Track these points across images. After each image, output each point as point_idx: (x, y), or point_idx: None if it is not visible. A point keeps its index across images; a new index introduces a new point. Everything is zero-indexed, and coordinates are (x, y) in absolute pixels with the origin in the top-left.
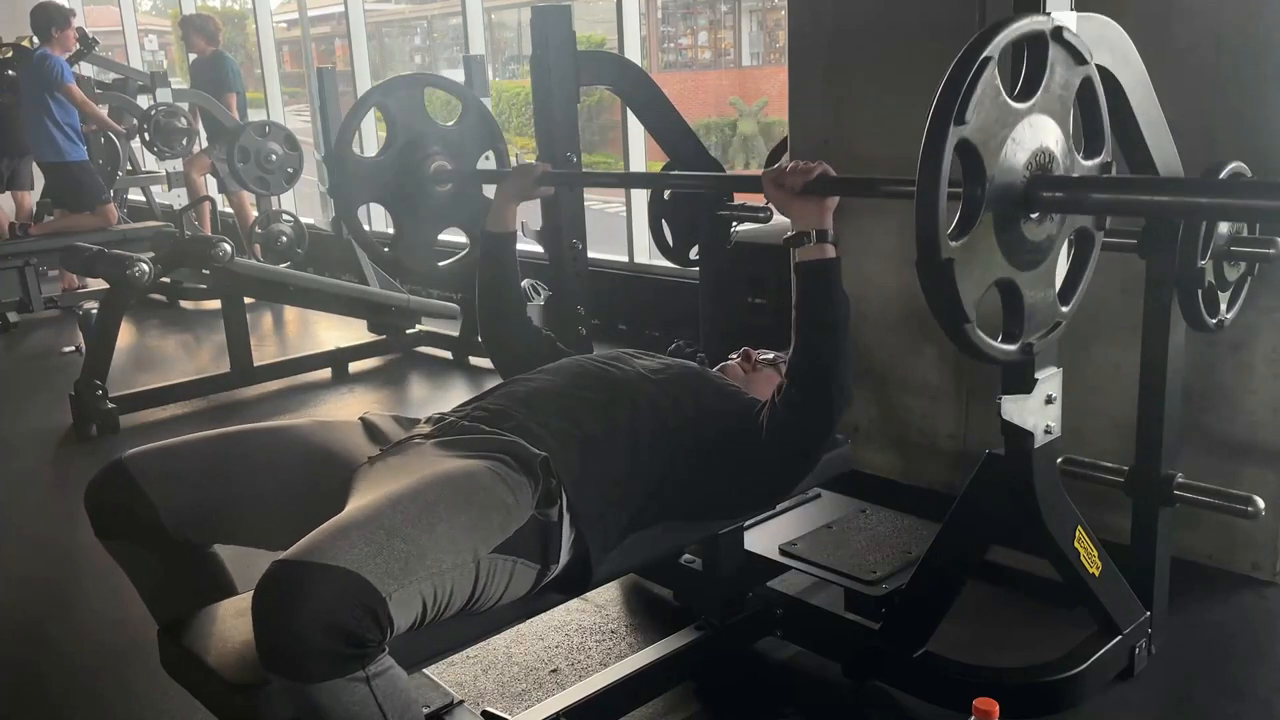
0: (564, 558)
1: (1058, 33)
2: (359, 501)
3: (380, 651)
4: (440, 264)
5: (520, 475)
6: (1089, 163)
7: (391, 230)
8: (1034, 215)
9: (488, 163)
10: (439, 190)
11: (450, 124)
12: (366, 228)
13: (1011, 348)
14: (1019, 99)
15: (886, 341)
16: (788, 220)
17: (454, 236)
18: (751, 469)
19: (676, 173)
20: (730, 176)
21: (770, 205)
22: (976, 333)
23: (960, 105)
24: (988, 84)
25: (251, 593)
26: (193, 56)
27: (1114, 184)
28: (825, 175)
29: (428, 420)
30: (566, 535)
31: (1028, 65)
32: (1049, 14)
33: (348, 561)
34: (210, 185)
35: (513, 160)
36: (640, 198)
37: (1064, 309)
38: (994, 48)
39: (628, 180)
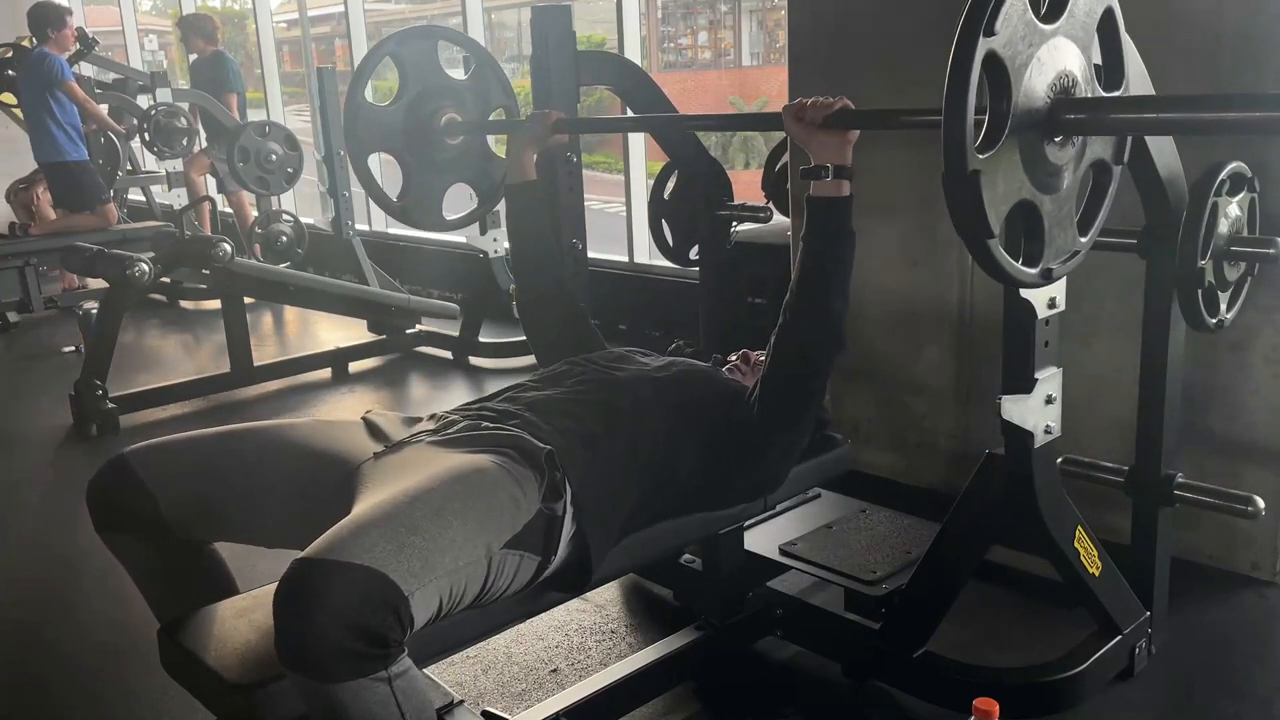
0: (562, 550)
1: None
2: (372, 499)
3: (401, 651)
4: (450, 218)
5: (526, 469)
6: (1109, 95)
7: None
8: (1057, 139)
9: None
10: (449, 143)
11: (462, 79)
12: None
13: (1032, 270)
14: (1045, 20)
15: (887, 341)
16: (788, 221)
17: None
18: (748, 446)
19: (695, 114)
20: (750, 115)
21: (791, 137)
22: (999, 249)
23: (990, 16)
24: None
25: (251, 593)
26: (193, 57)
27: (1135, 104)
28: (846, 109)
29: (430, 418)
30: (568, 528)
31: None
32: None
33: (371, 560)
34: (210, 185)
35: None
36: (640, 198)
37: (1082, 239)
38: None
39: (642, 124)
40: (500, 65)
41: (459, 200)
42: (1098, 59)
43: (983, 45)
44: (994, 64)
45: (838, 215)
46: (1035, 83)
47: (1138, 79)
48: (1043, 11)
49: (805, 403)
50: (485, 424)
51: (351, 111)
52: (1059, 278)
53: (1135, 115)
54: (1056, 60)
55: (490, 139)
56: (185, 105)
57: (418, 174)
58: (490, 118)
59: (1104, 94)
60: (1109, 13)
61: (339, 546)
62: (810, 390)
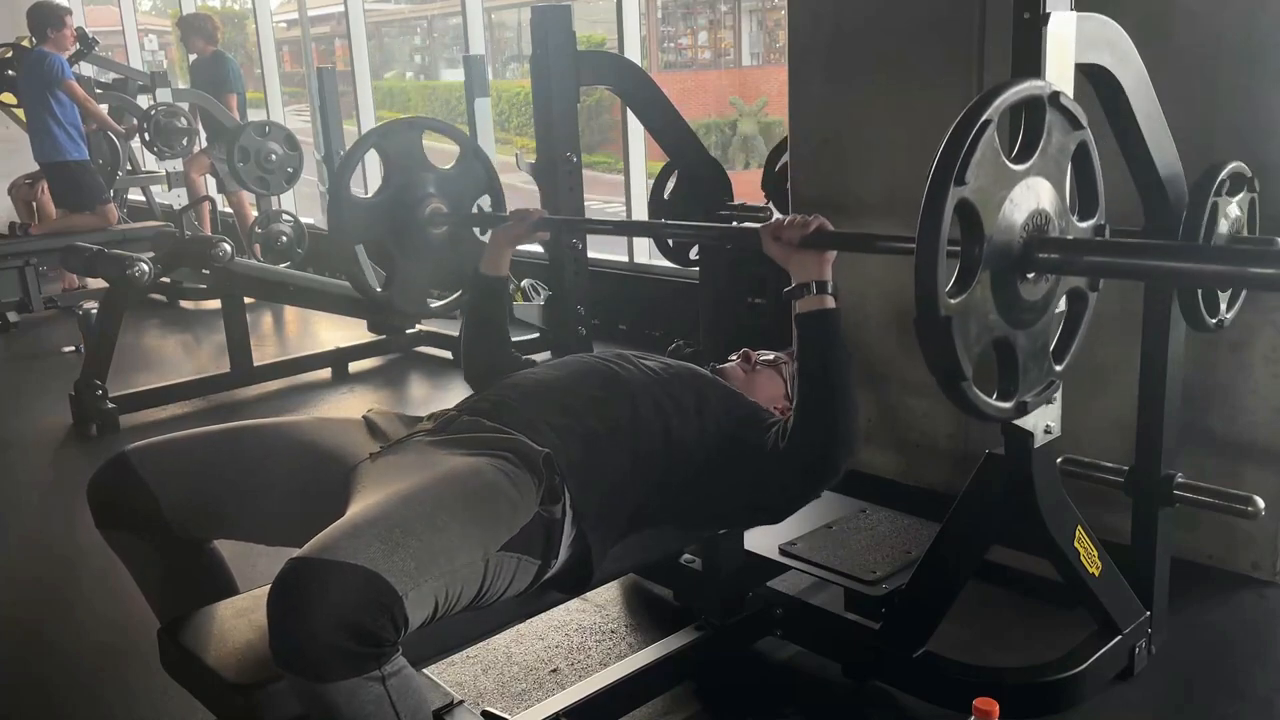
0: (563, 554)
1: (1055, 98)
2: (368, 499)
3: (395, 651)
4: (433, 305)
5: (524, 472)
6: (1084, 224)
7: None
8: (1030, 275)
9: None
10: (434, 233)
11: (447, 167)
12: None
13: (1007, 405)
14: (1017, 161)
15: (887, 341)
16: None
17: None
18: (754, 488)
19: (674, 223)
20: (728, 228)
21: (770, 257)
22: (973, 390)
23: (961, 166)
24: (987, 146)
25: (251, 592)
26: (192, 57)
27: (1108, 247)
28: (822, 229)
29: (430, 417)
30: (567, 532)
31: (1025, 128)
32: (1047, 80)
33: (365, 560)
34: (210, 185)
35: (514, 155)
36: (640, 198)
37: (1058, 368)
38: (993, 111)
39: (626, 229)
40: (486, 153)
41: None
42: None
43: (954, 194)
44: (966, 210)
45: (827, 330)
46: (1008, 223)
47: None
48: (1014, 153)
49: (817, 486)
50: (485, 423)
51: (336, 205)
52: (1034, 409)
53: (1107, 259)
54: (1029, 199)
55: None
56: (185, 105)
57: (402, 264)
58: (475, 203)
59: (1078, 224)
60: (1083, 146)
61: (333, 546)
62: (820, 482)
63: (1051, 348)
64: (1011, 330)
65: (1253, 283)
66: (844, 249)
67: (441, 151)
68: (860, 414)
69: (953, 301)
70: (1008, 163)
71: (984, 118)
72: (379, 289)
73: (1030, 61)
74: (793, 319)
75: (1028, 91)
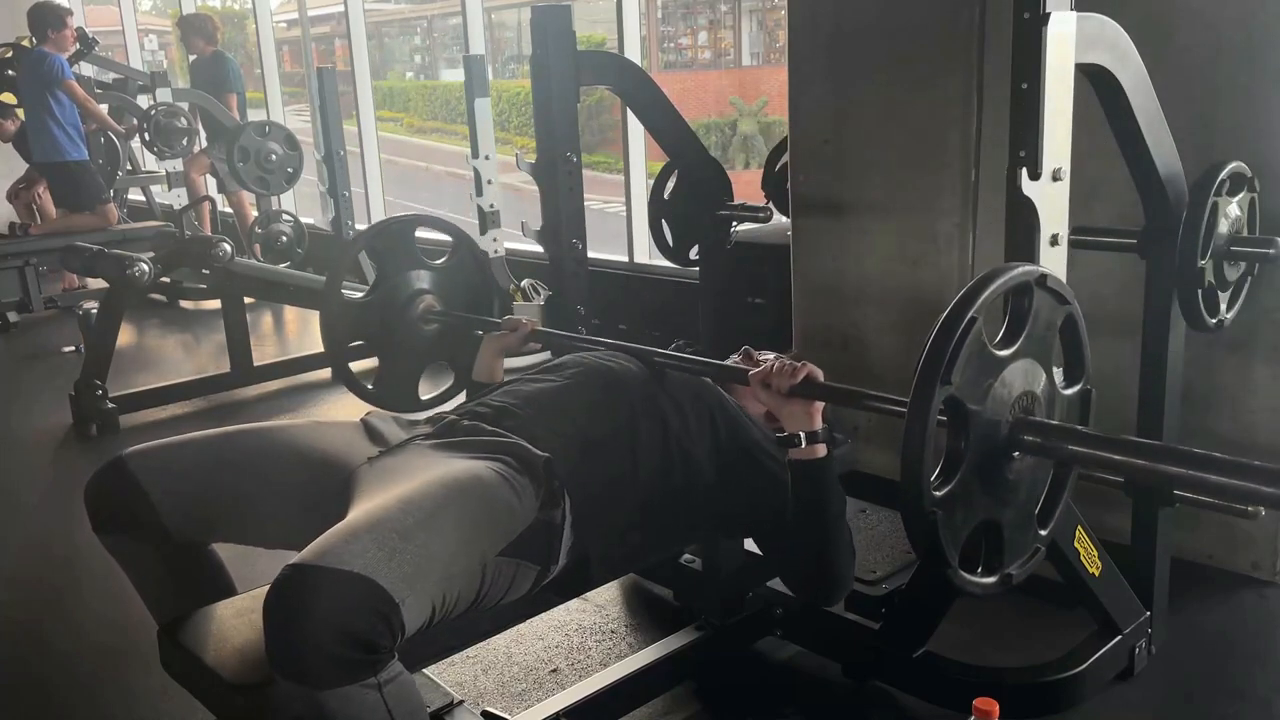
0: (563, 559)
1: (1042, 280)
2: (366, 504)
3: (391, 657)
4: (424, 398)
5: (523, 477)
6: (1069, 391)
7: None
8: (1015, 454)
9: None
10: (426, 329)
11: (440, 262)
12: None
13: (991, 580)
14: (1002, 346)
15: (886, 341)
16: (787, 221)
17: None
18: (749, 508)
19: (666, 351)
20: (720, 365)
21: (761, 403)
22: (960, 575)
23: (947, 367)
24: (973, 342)
25: (251, 593)
26: (192, 57)
27: (1092, 440)
28: (811, 378)
29: (428, 420)
30: (567, 536)
31: (1011, 313)
32: (1034, 265)
33: (361, 566)
34: (210, 185)
35: (514, 155)
36: (640, 198)
37: (1043, 533)
38: (978, 309)
39: (616, 348)
40: (478, 249)
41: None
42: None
43: (940, 393)
44: (953, 405)
45: (818, 479)
46: (995, 410)
47: (1121, 64)
48: (1000, 338)
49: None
50: (484, 427)
51: (328, 306)
52: (1019, 580)
53: (1091, 451)
54: (1016, 382)
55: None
56: (185, 105)
57: (394, 360)
58: (469, 297)
59: (1064, 392)
60: (1070, 319)
61: (330, 553)
62: (820, 605)
63: (1037, 512)
64: (997, 510)
65: (1231, 494)
66: (830, 401)
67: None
68: (853, 556)
69: (938, 494)
70: (994, 351)
71: (969, 316)
72: (369, 387)
73: (1030, 63)
74: (786, 462)
75: (1016, 280)
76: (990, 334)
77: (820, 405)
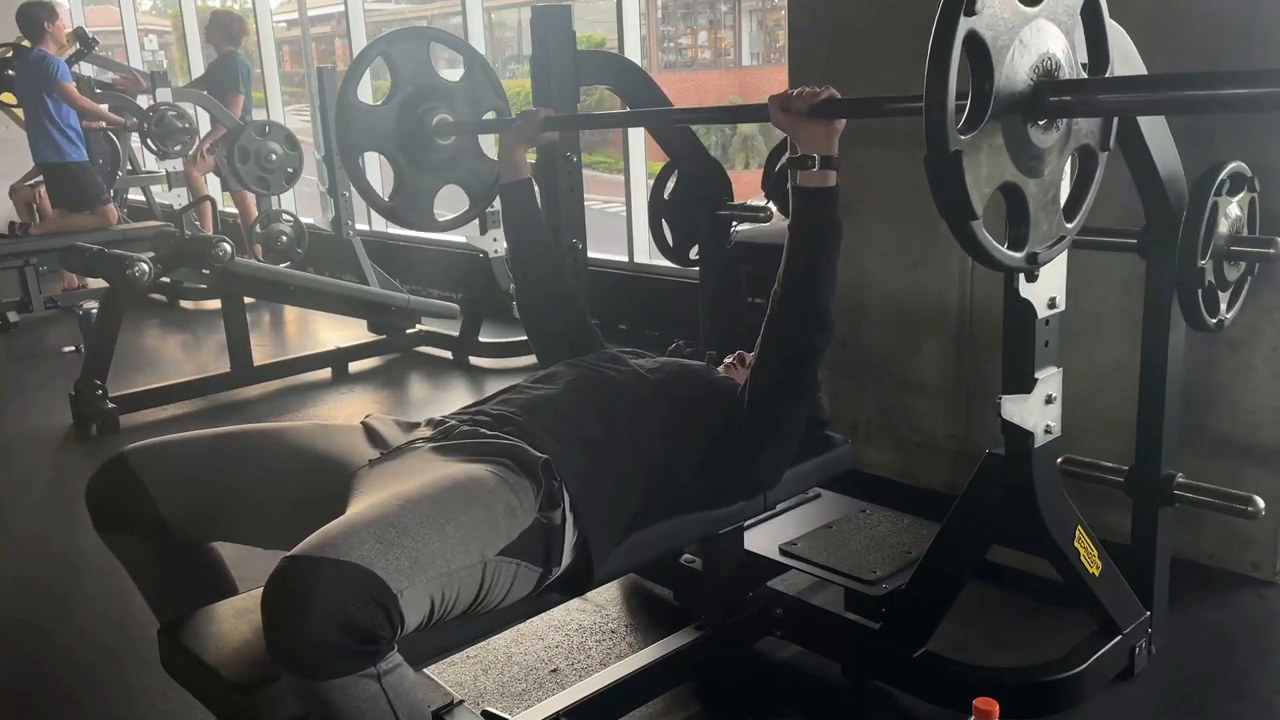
0: (566, 559)
1: None
2: (365, 501)
3: (390, 649)
4: (441, 219)
5: (522, 478)
6: (1093, 77)
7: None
8: (1040, 121)
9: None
10: (441, 144)
11: (454, 80)
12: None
13: (1017, 254)
14: (1028, 2)
15: (886, 341)
16: (786, 221)
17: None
18: (743, 443)
19: (685, 108)
20: (737, 107)
21: (778, 127)
22: (983, 231)
23: None
24: None
25: (251, 593)
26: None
27: (1120, 84)
28: (832, 98)
29: (428, 423)
30: (570, 537)
31: None
32: None
33: (359, 557)
34: (213, 184)
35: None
36: (640, 198)
37: (1068, 225)
38: None
39: (633, 119)
40: (492, 66)
41: (451, 200)
42: (1081, 43)
43: (964, 25)
44: (975, 44)
45: (824, 205)
46: (1018, 64)
47: (1123, 64)
48: None
49: (797, 393)
50: (483, 431)
51: (343, 110)
52: (1045, 263)
53: (1120, 96)
54: (1039, 43)
55: (483, 140)
56: (190, 107)
57: (409, 174)
58: (483, 118)
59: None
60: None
61: (329, 544)
62: (801, 381)
63: (1063, 203)
64: (1022, 176)
65: (1261, 103)
66: (853, 115)
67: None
68: (837, 298)
69: (964, 138)
70: (1018, 2)
71: None
72: (386, 199)
73: None
74: (791, 190)
75: None
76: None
77: (839, 128)
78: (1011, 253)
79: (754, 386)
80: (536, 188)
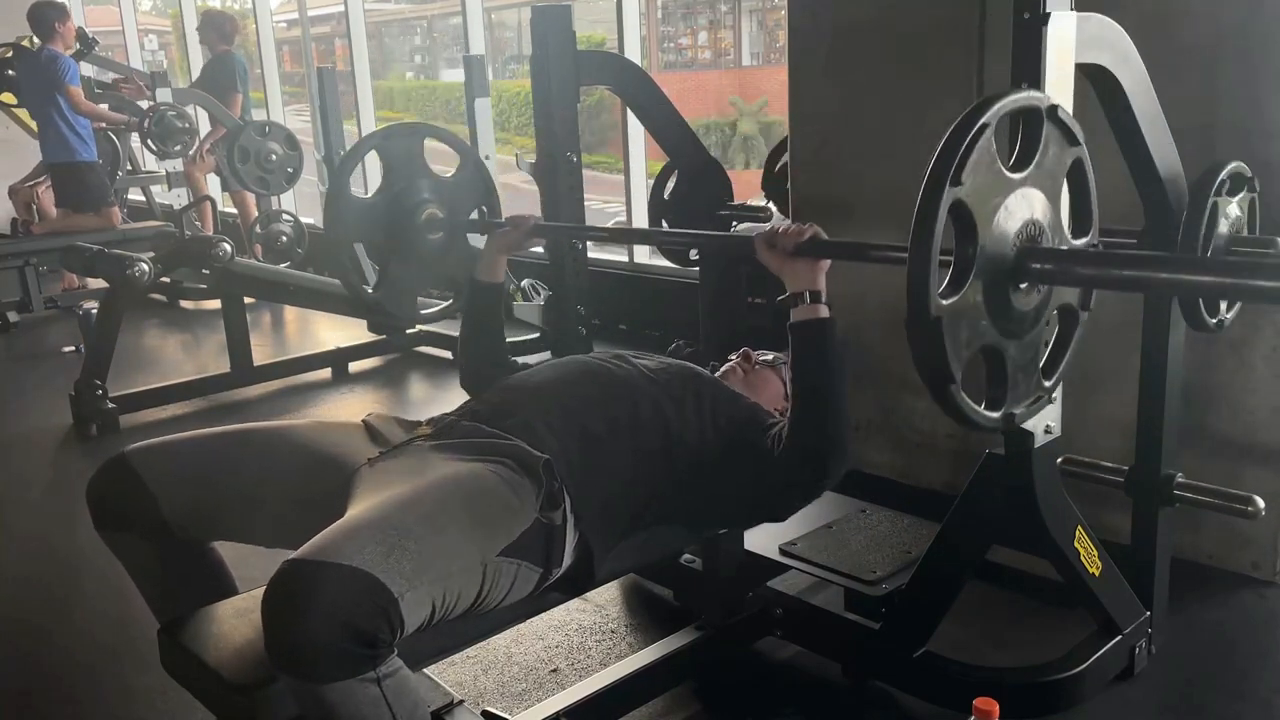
0: (567, 560)
1: (1053, 111)
2: (366, 503)
3: (391, 652)
4: (423, 313)
5: (523, 478)
6: (1077, 242)
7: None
8: (1022, 285)
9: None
10: (429, 238)
11: (447, 174)
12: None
13: (995, 415)
14: (1013, 169)
15: (887, 341)
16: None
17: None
18: (755, 487)
19: (670, 230)
20: (724, 236)
21: (765, 265)
22: (961, 395)
23: (957, 167)
24: (984, 150)
25: (251, 593)
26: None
27: (1101, 259)
28: (816, 238)
29: (429, 422)
30: (570, 537)
31: (1023, 139)
32: (1046, 94)
33: (360, 561)
34: (212, 184)
35: (514, 155)
36: (640, 198)
37: (1046, 383)
38: (992, 115)
39: (621, 236)
40: (485, 163)
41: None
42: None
43: (949, 194)
44: (960, 212)
45: (821, 339)
46: (1002, 230)
47: (1123, 65)
48: (1011, 162)
49: (813, 491)
50: (484, 428)
51: (334, 202)
52: (1022, 422)
53: (1099, 270)
54: (1024, 209)
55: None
56: (191, 107)
57: (395, 267)
58: (473, 213)
59: (1071, 240)
60: (1078, 163)
61: (329, 548)
62: (815, 487)
63: (1042, 363)
64: (1002, 339)
65: (1251, 295)
66: (837, 258)
67: (443, 155)
68: (850, 422)
69: (944, 303)
70: (1004, 169)
71: (982, 121)
72: (370, 289)
73: (1030, 63)
74: (787, 327)
75: (1026, 102)
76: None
77: (825, 265)
78: (989, 413)
79: (781, 458)
80: (510, 288)
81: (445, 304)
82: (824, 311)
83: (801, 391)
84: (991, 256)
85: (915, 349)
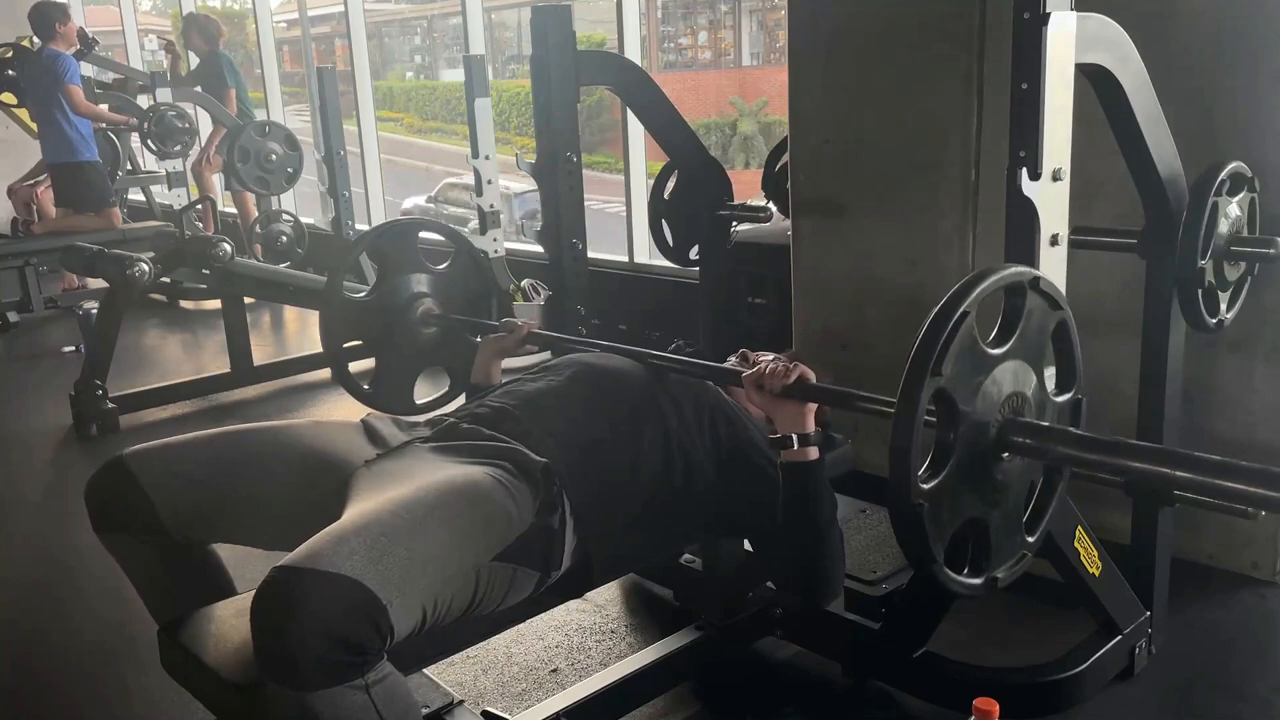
0: (566, 564)
1: (1035, 283)
2: (358, 507)
3: (380, 659)
4: (419, 403)
5: (521, 482)
6: (1060, 399)
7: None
8: (1004, 456)
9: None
10: (425, 332)
11: (442, 267)
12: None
13: (977, 581)
14: (995, 345)
15: (887, 341)
16: (787, 221)
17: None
18: (751, 506)
19: (662, 353)
20: (714, 368)
21: (755, 405)
22: (945, 572)
23: (937, 359)
24: (965, 336)
25: (250, 593)
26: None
27: (1081, 442)
28: (803, 380)
29: (428, 423)
30: (569, 541)
31: (1005, 312)
32: (1029, 267)
33: (348, 569)
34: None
35: (514, 155)
36: (640, 198)
37: (1030, 539)
38: (971, 303)
39: (611, 351)
40: (479, 253)
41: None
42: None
43: (929, 385)
44: (942, 399)
45: (811, 481)
46: (986, 404)
47: (1122, 65)
48: (992, 337)
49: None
50: (483, 431)
51: (329, 303)
52: (1005, 584)
53: (1078, 452)
54: (1007, 382)
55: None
56: (190, 107)
57: (392, 361)
58: (467, 302)
59: (1055, 399)
60: (1062, 325)
61: (318, 555)
62: (812, 605)
63: (1025, 519)
64: (984, 510)
65: (1225, 495)
66: (821, 402)
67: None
68: (843, 560)
69: (925, 487)
70: (985, 349)
71: (962, 309)
72: (366, 387)
73: (1030, 63)
74: (779, 466)
75: (1009, 279)
76: (984, 337)
77: (813, 407)
78: (971, 581)
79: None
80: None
81: (441, 394)
82: (812, 454)
83: (791, 526)
84: (973, 435)
85: (898, 531)
